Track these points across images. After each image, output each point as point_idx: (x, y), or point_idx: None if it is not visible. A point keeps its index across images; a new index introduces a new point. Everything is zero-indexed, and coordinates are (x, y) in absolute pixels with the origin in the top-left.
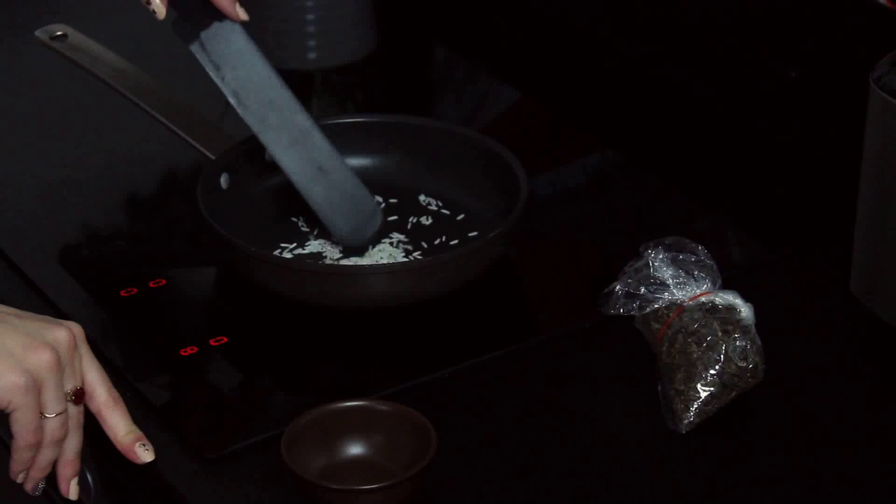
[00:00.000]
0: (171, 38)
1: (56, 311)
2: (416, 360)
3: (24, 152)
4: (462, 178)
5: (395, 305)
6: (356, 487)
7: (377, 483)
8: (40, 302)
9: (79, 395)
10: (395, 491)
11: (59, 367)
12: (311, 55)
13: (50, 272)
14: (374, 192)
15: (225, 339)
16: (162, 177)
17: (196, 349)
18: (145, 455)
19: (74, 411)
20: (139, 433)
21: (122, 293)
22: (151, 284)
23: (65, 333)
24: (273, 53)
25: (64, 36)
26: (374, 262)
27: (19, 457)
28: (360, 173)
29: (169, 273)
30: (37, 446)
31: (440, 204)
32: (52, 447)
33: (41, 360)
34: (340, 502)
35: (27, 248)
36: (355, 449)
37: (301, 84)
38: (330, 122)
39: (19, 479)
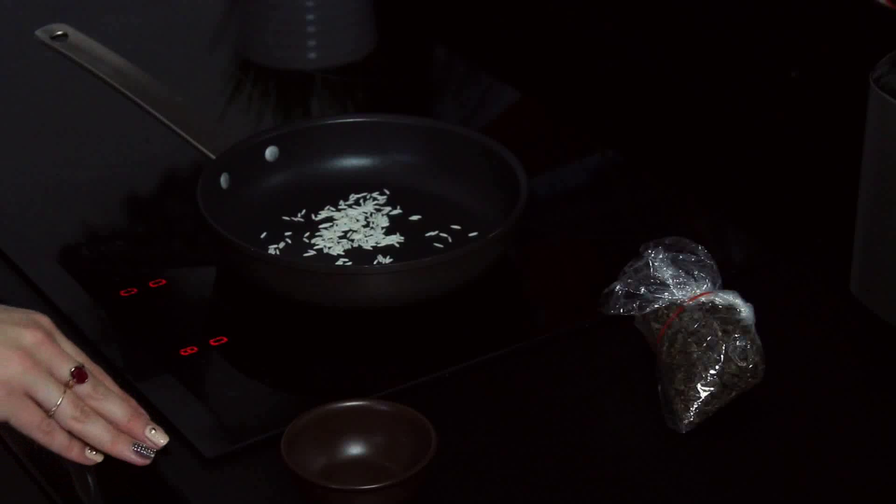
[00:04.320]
0: (170, 38)
1: (56, 312)
2: (416, 360)
3: (25, 152)
4: (463, 177)
5: (395, 306)
6: (356, 487)
7: (377, 483)
8: (40, 302)
9: (80, 375)
10: (395, 491)
11: (37, 367)
12: (311, 55)
13: (50, 272)
14: (374, 191)
15: (225, 339)
16: (162, 177)
17: (196, 349)
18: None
19: (88, 388)
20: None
21: (122, 293)
22: (151, 284)
23: (34, 335)
24: (273, 53)
25: (64, 35)
26: (374, 264)
27: (51, 441)
28: (362, 173)
29: (169, 273)
30: (51, 435)
31: (441, 204)
32: (86, 424)
33: (15, 370)
34: (340, 502)
35: (27, 248)
36: (355, 449)
37: (301, 84)
38: (331, 121)
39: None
